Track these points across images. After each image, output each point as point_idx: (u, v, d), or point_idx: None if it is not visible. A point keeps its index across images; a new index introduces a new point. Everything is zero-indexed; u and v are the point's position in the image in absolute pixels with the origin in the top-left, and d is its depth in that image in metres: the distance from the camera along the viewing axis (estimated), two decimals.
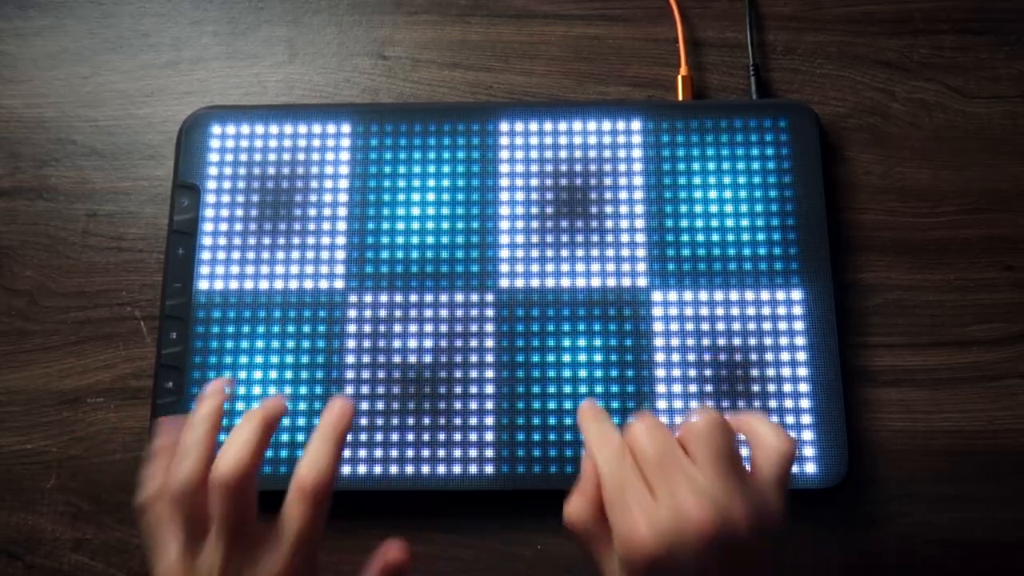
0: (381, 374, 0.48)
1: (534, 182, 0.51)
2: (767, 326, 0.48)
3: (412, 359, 0.48)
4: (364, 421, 0.47)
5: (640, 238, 0.50)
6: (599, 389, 0.47)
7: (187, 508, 0.34)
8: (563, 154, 0.51)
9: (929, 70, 0.54)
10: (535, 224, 0.50)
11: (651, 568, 0.32)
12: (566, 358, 0.48)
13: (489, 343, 0.48)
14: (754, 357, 0.48)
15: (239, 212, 0.51)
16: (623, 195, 0.50)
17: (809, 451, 0.46)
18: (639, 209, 0.50)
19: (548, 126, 0.52)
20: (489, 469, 0.47)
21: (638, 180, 0.51)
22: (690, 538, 0.32)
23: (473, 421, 0.47)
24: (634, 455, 0.34)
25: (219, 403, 0.37)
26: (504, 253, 0.50)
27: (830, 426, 0.47)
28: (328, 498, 0.34)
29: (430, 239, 0.50)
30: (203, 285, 0.49)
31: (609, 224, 0.50)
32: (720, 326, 0.48)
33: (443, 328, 0.49)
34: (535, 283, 0.49)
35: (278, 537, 0.34)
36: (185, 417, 0.37)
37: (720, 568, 0.32)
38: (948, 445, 0.48)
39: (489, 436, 0.47)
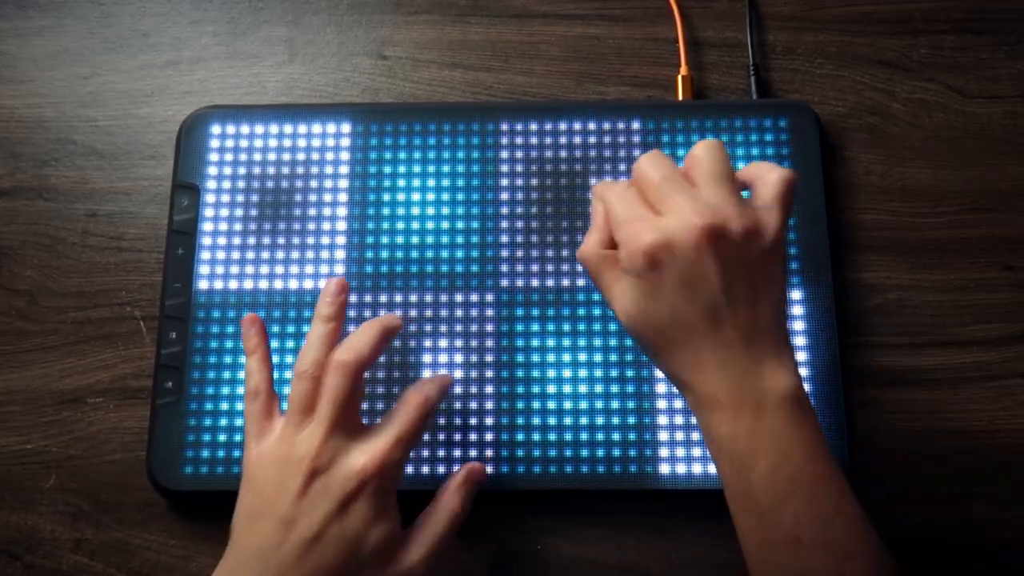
0: (381, 374, 0.48)
1: (534, 182, 0.51)
2: None
3: (412, 359, 0.48)
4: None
5: None
6: (599, 389, 0.47)
7: (305, 385, 0.40)
8: (563, 154, 0.51)
9: (929, 70, 0.54)
10: (535, 224, 0.50)
11: (651, 263, 0.35)
12: (566, 358, 0.48)
13: (489, 343, 0.48)
14: None
15: (239, 212, 0.51)
16: None
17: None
18: None
19: (548, 126, 0.52)
20: (489, 469, 0.46)
21: None
22: (686, 234, 0.35)
23: (473, 421, 0.47)
24: (640, 185, 0.38)
25: (343, 303, 0.42)
26: (504, 253, 0.50)
27: (830, 426, 0.47)
28: (361, 380, 0.40)
29: (430, 239, 0.50)
30: (203, 285, 0.49)
31: None
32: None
33: (443, 328, 0.49)
34: (535, 283, 0.49)
35: (376, 433, 0.40)
36: (252, 318, 0.44)
37: (714, 261, 0.35)
38: (948, 445, 0.48)
39: (489, 436, 0.47)
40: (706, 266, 0.35)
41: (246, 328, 0.44)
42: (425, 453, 0.47)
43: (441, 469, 0.47)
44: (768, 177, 0.38)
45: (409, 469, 0.47)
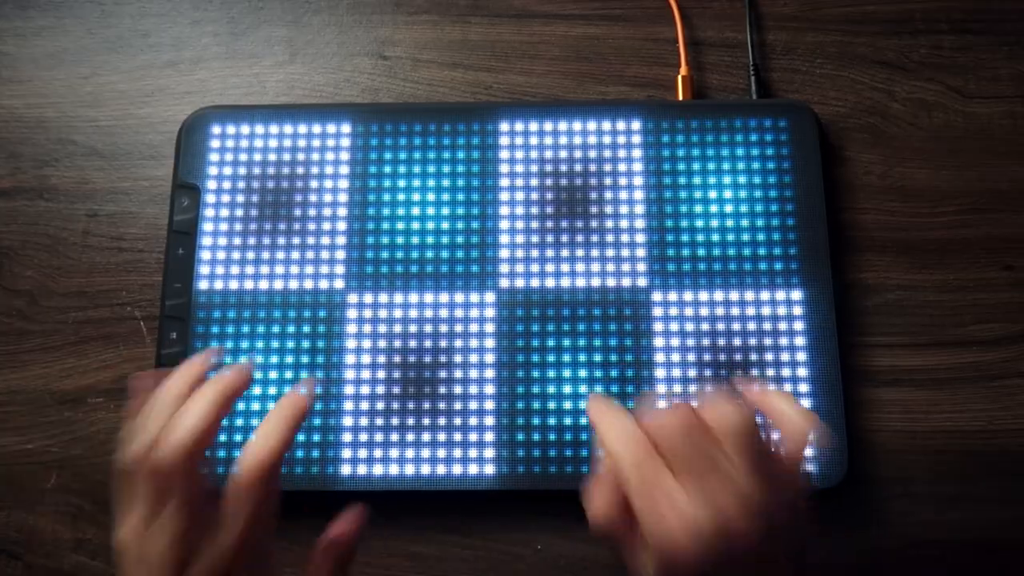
0: (381, 374, 0.48)
1: (534, 182, 0.51)
2: (767, 326, 0.48)
3: (412, 359, 0.48)
4: (364, 421, 0.47)
5: (640, 238, 0.50)
6: (599, 389, 0.47)
7: (152, 479, 0.33)
8: (563, 154, 0.51)
9: (929, 70, 0.54)
10: (535, 224, 0.50)
11: (690, 572, 0.30)
12: (566, 358, 0.48)
13: (489, 343, 0.48)
14: (754, 357, 0.48)
15: (239, 212, 0.51)
16: (623, 195, 0.50)
17: (809, 451, 0.46)
18: (639, 209, 0.50)
19: (548, 126, 0.52)
20: (489, 469, 0.47)
21: (638, 180, 0.51)
22: (735, 547, 0.30)
23: (473, 421, 0.47)
24: (660, 446, 0.32)
25: (194, 375, 0.36)
26: (504, 253, 0.50)
27: (830, 426, 0.47)
28: (274, 479, 0.33)
29: (430, 239, 0.50)
30: (203, 285, 0.49)
31: (609, 224, 0.50)
32: (720, 326, 0.48)
33: (443, 328, 0.49)
34: (535, 283, 0.49)
35: (228, 517, 0.33)
36: (158, 373, 0.36)
37: (758, 567, 0.31)
38: (948, 445, 0.48)
39: (489, 436, 0.47)
40: (747, 567, 0.31)
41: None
42: (425, 453, 0.47)
43: (441, 469, 0.47)
44: (794, 427, 0.34)
45: (409, 469, 0.47)
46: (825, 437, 0.34)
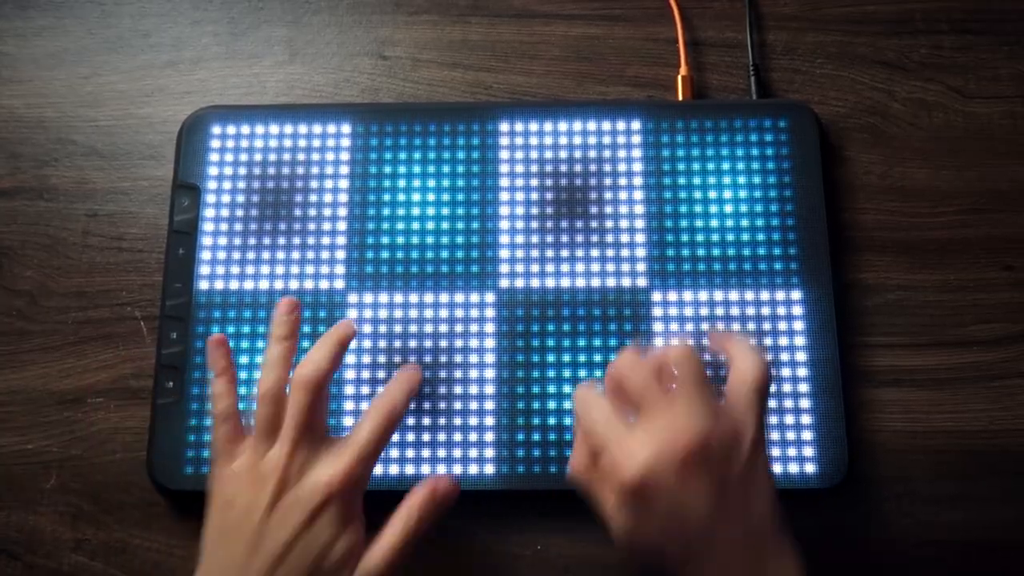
0: (381, 374, 0.48)
1: (534, 182, 0.51)
2: (767, 326, 0.48)
3: (412, 359, 0.48)
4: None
5: (640, 238, 0.50)
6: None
7: (268, 408, 0.40)
8: (563, 154, 0.51)
9: (929, 70, 0.54)
10: (535, 224, 0.50)
11: (637, 497, 0.36)
12: (566, 358, 0.48)
13: (489, 343, 0.48)
14: None
15: (239, 212, 0.51)
16: (623, 195, 0.50)
17: (809, 451, 0.46)
18: (639, 209, 0.50)
19: (548, 126, 0.52)
20: (489, 469, 0.47)
21: (638, 180, 0.51)
22: (669, 463, 0.36)
23: (473, 421, 0.47)
24: (618, 389, 0.40)
25: (296, 320, 0.43)
26: (504, 253, 0.50)
27: (830, 426, 0.47)
28: (325, 388, 0.41)
29: (430, 239, 0.50)
30: (203, 285, 0.49)
31: (609, 224, 0.50)
32: (720, 326, 0.48)
33: (443, 328, 0.49)
34: (535, 283, 0.49)
35: (343, 445, 0.40)
36: (219, 339, 0.43)
37: (699, 484, 0.36)
38: (948, 445, 0.48)
39: (489, 436, 0.47)
40: (692, 491, 0.36)
41: (212, 349, 0.43)
42: (425, 453, 0.47)
43: (441, 469, 0.47)
44: (743, 370, 0.39)
45: (409, 469, 0.47)
46: (764, 371, 0.39)
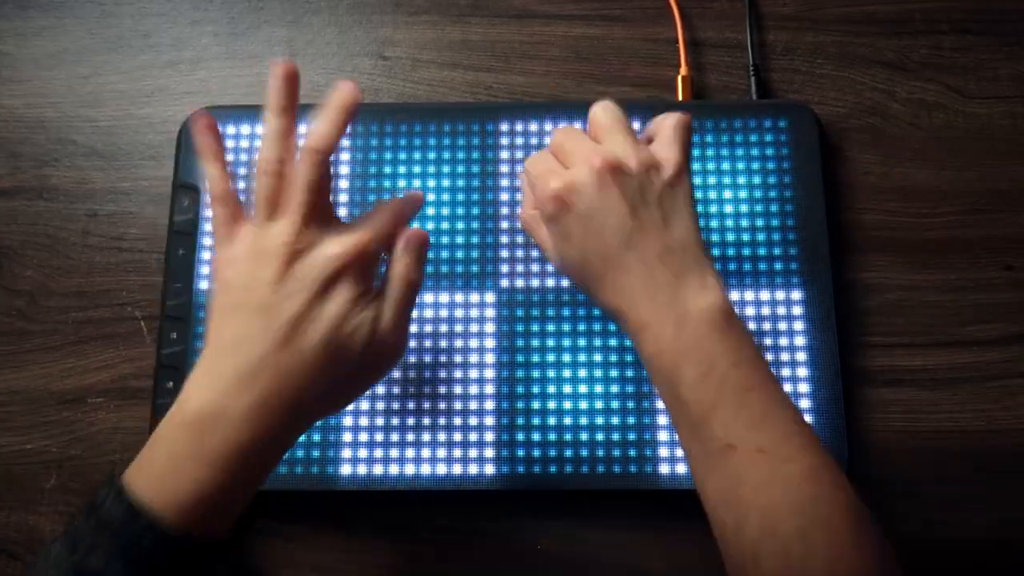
0: None
1: None
2: (767, 326, 0.48)
3: (412, 359, 0.48)
4: (364, 421, 0.47)
5: None
6: (599, 389, 0.47)
7: (269, 181, 0.37)
8: None
9: (929, 70, 0.54)
10: None
11: (560, 206, 0.40)
12: (566, 358, 0.48)
13: (489, 343, 0.48)
14: None
15: None
16: None
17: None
18: None
19: (548, 126, 0.52)
20: (489, 469, 0.47)
21: None
22: (587, 174, 0.39)
23: (473, 421, 0.47)
24: (552, 150, 0.42)
25: (294, 91, 0.39)
26: (504, 253, 0.50)
27: (830, 426, 0.47)
28: (329, 155, 0.38)
29: (430, 239, 0.50)
30: (203, 285, 0.49)
31: None
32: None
33: (443, 328, 0.49)
34: (535, 283, 0.49)
35: (354, 224, 0.39)
36: (207, 121, 0.39)
37: (616, 192, 0.39)
38: (948, 445, 0.48)
39: (489, 436, 0.47)
40: (609, 198, 0.39)
41: (201, 132, 0.39)
42: (426, 453, 0.47)
43: (442, 469, 0.47)
44: (664, 123, 0.42)
45: (409, 469, 0.47)
46: (685, 116, 0.43)
